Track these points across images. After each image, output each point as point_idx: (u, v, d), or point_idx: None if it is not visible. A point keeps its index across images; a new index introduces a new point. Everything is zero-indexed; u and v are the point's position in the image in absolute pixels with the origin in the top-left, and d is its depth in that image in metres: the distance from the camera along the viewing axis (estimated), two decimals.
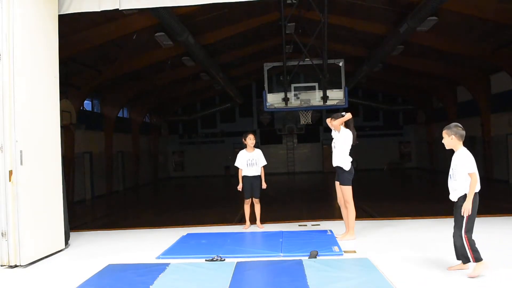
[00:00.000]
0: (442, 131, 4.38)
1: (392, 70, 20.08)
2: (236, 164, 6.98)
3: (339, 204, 6.11)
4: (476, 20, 12.00)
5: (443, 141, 4.32)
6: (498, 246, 5.33)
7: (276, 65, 12.37)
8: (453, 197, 4.25)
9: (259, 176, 6.92)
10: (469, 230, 4.13)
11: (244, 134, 7.00)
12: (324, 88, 11.45)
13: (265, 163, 6.98)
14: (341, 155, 5.91)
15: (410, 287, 3.94)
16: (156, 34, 12.64)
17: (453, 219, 4.34)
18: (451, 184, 4.27)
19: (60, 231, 5.86)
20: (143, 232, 7.35)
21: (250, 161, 6.86)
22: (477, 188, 4.15)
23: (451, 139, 4.21)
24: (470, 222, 4.14)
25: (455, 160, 4.25)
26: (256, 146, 7.07)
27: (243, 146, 7.04)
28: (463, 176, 4.17)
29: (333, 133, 6.06)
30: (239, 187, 6.96)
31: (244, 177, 6.90)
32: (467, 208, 4.08)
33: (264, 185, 6.92)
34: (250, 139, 6.87)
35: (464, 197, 4.15)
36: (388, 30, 13.72)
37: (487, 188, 18.78)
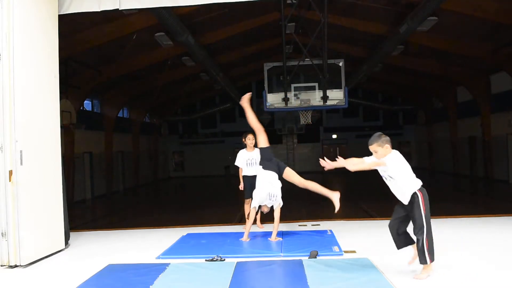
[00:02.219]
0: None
1: (392, 70, 20.08)
2: (236, 163, 6.99)
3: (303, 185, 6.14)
4: (476, 20, 11.99)
5: (375, 156, 4.17)
6: (498, 246, 5.33)
7: (276, 65, 12.36)
8: (405, 200, 4.15)
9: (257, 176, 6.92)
10: (429, 231, 4.05)
11: (244, 134, 7.02)
12: (324, 88, 11.45)
13: None
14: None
15: (410, 287, 3.94)
16: (156, 34, 12.63)
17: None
18: (396, 190, 4.18)
19: (60, 231, 5.86)
20: (143, 232, 7.35)
21: (250, 161, 6.87)
22: (420, 183, 4.12)
23: (386, 148, 4.12)
24: (428, 221, 4.07)
25: (389, 166, 4.12)
26: (256, 146, 7.07)
27: (243, 146, 7.04)
28: (403, 176, 4.13)
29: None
30: (241, 187, 6.96)
31: (244, 177, 6.91)
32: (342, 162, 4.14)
33: None
34: (250, 139, 6.89)
35: (414, 196, 4.09)
36: (388, 30, 13.72)
37: (487, 188, 18.80)
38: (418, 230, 4.05)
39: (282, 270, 4.54)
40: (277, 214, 5.94)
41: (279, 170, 6.09)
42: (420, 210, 4.05)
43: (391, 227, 4.29)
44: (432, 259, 4.02)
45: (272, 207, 6.04)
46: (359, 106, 28.10)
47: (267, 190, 5.89)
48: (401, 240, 4.30)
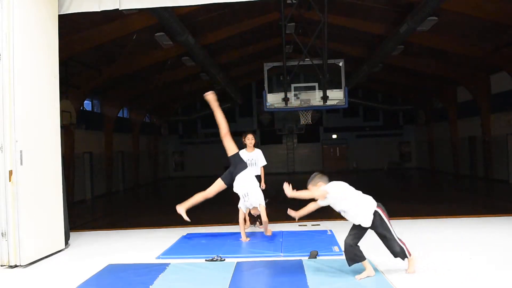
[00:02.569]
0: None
1: (392, 70, 20.08)
2: None
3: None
4: (476, 20, 11.99)
5: (318, 200, 4.24)
6: (498, 246, 5.33)
7: (276, 65, 12.36)
8: (368, 223, 4.18)
9: (259, 176, 6.92)
10: (396, 235, 4.22)
11: (243, 134, 7.01)
12: (324, 88, 11.44)
13: (265, 163, 6.97)
14: None
15: (410, 287, 3.94)
16: (156, 34, 12.63)
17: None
18: (355, 218, 4.22)
19: (60, 231, 5.86)
20: (143, 232, 7.35)
21: (250, 161, 6.86)
22: (374, 204, 4.21)
23: (319, 185, 4.19)
24: (393, 228, 4.22)
25: (334, 200, 4.20)
26: (256, 146, 7.07)
27: (243, 146, 7.04)
28: (355, 203, 4.19)
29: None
30: None
31: None
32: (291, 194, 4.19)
33: (263, 186, 6.91)
34: (248, 139, 6.87)
35: (375, 214, 4.16)
36: (388, 30, 13.72)
37: (487, 188, 18.77)
38: (391, 242, 4.18)
39: (282, 270, 4.54)
40: (262, 216, 5.91)
41: (237, 161, 6.01)
42: (387, 224, 4.18)
43: (349, 243, 4.19)
44: (410, 253, 4.20)
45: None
46: (359, 106, 28.10)
47: (241, 192, 5.89)
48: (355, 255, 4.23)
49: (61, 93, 6.17)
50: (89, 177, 17.91)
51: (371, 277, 4.14)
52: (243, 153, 6.93)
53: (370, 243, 5.67)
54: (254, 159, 6.88)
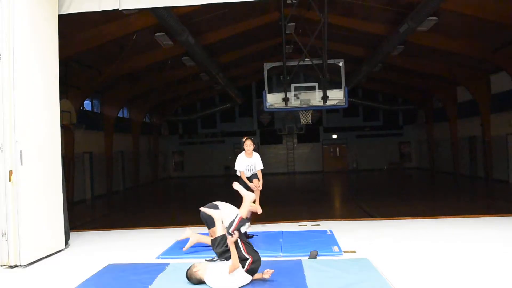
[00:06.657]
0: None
1: (392, 70, 20.08)
2: (236, 167, 6.97)
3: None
4: (476, 20, 12.00)
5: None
6: (498, 246, 5.33)
7: (276, 65, 12.35)
8: None
9: (256, 174, 6.97)
10: None
11: (243, 138, 7.00)
12: (324, 88, 11.44)
13: (262, 167, 6.97)
14: None
15: (409, 287, 3.94)
16: (156, 34, 12.64)
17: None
18: None
19: (60, 231, 5.86)
20: (143, 232, 7.35)
21: (249, 167, 6.92)
22: None
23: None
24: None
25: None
26: (256, 146, 7.06)
27: (243, 147, 7.03)
28: None
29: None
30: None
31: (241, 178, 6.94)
32: None
33: (260, 187, 6.93)
34: (247, 145, 6.83)
35: None
36: (388, 30, 13.72)
37: (487, 188, 18.81)
38: None
39: (282, 270, 4.54)
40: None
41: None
42: None
43: None
44: None
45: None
46: (359, 106, 28.11)
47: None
48: None
49: (61, 93, 6.17)
50: (89, 177, 17.92)
51: (370, 277, 4.13)
52: (243, 159, 6.92)
53: (371, 243, 5.69)
54: (253, 164, 6.91)
